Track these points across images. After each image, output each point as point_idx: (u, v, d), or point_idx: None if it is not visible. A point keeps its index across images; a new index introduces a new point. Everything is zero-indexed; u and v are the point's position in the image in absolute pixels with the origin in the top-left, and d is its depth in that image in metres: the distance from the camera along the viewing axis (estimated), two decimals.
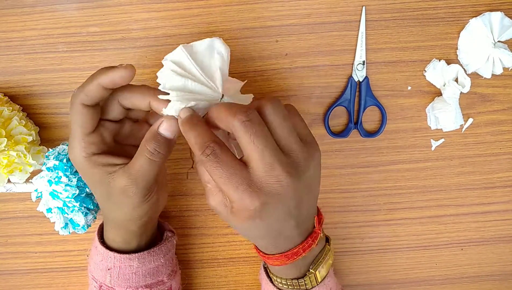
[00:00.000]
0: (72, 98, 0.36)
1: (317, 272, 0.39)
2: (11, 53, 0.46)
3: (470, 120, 0.49)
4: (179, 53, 0.35)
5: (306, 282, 0.39)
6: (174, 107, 0.35)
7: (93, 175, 0.37)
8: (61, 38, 0.46)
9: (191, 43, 0.36)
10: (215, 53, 0.36)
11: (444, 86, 0.47)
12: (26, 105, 0.47)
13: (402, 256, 0.53)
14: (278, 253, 0.37)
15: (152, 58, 0.47)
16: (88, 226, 0.44)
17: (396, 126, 0.49)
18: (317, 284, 0.40)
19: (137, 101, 0.37)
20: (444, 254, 0.53)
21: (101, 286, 0.42)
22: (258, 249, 0.39)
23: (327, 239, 0.42)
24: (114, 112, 0.38)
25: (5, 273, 0.52)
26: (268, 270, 0.43)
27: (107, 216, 0.41)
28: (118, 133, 0.40)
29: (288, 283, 0.40)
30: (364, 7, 0.46)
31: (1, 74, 0.47)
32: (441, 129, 0.48)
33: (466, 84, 0.46)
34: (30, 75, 0.47)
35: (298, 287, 0.40)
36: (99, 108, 0.37)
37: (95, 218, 0.45)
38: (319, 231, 0.38)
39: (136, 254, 0.42)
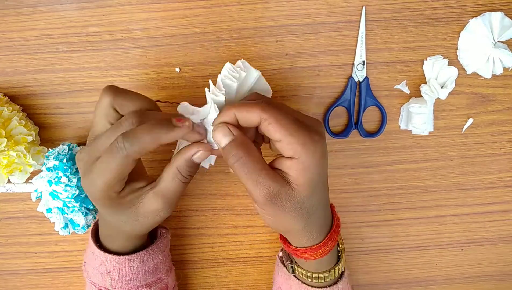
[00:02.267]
0: (117, 150, 0.33)
1: (344, 254, 0.42)
2: (11, 53, 0.46)
3: (470, 120, 0.49)
4: (254, 74, 0.37)
5: (341, 265, 0.41)
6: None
7: (121, 205, 0.36)
8: (61, 38, 0.46)
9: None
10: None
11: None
12: (26, 105, 0.47)
13: (402, 256, 0.53)
14: (324, 238, 0.38)
15: (152, 58, 0.47)
16: (88, 226, 0.44)
17: (396, 126, 0.49)
18: (344, 270, 0.43)
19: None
20: (444, 254, 0.53)
21: (101, 289, 0.42)
22: (308, 248, 0.38)
23: None
24: None
25: (5, 273, 0.52)
26: (300, 270, 0.42)
27: (122, 231, 0.40)
28: None
29: (328, 274, 0.41)
30: (364, 7, 0.46)
31: (1, 74, 0.47)
32: (410, 131, 0.49)
33: (444, 92, 0.46)
34: (30, 75, 0.47)
35: (337, 274, 0.41)
36: None
37: (95, 218, 0.45)
38: (337, 213, 0.41)
39: (136, 254, 0.42)
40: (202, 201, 0.51)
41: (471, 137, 0.50)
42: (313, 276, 0.41)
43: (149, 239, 0.46)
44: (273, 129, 0.32)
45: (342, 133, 0.49)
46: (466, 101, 0.49)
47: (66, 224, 0.43)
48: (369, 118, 0.49)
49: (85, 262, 0.44)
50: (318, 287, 0.42)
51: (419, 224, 0.52)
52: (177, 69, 0.47)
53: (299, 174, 0.33)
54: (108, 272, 0.41)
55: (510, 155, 0.50)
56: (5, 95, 0.47)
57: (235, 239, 0.52)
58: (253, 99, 0.35)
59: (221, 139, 0.34)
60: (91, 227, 0.44)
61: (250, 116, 0.33)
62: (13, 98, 0.47)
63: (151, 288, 0.43)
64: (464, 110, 0.49)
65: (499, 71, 0.46)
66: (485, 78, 0.47)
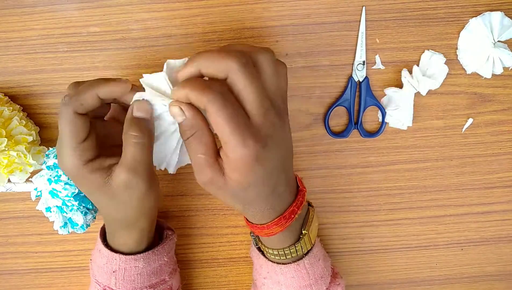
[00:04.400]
0: (62, 107, 0.35)
1: (309, 233, 0.41)
2: (11, 53, 0.46)
3: (470, 120, 0.49)
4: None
5: (302, 245, 0.40)
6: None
7: (93, 181, 0.36)
8: (61, 38, 0.46)
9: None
10: None
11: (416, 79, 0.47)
12: (26, 105, 0.48)
13: (402, 256, 0.53)
14: (276, 217, 0.37)
15: (152, 58, 0.47)
16: (87, 226, 0.44)
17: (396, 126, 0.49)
18: (312, 246, 0.41)
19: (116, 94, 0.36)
20: (444, 254, 0.53)
21: (105, 289, 0.42)
22: (254, 224, 0.39)
23: (309, 203, 0.44)
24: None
25: (5, 273, 0.52)
26: (261, 244, 0.43)
27: (115, 218, 0.40)
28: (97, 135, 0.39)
29: (283, 253, 0.40)
30: (364, 7, 0.46)
31: (1, 74, 0.47)
32: (408, 130, 0.49)
33: (425, 84, 0.46)
34: (30, 75, 0.47)
35: (295, 254, 0.40)
36: (89, 116, 0.37)
37: (94, 218, 0.45)
38: (305, 189, 0.40)
39: (142, 255, 0.41)
40: (202, 201, 0.51)
41: (471, 137, 0.50)
42: (268, 251, 0.41)
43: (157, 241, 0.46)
44: (211, 122, 0.32)
45: (342, 133, 0.49)
46: (466, 101, 0.49)
47: (65, 223, 0.43)
48: (369, 118, 0.49)
49: (91, 260, 0.44)
50: (282, 263, 0.42)
51: (419, 224, 0.52)
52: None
53: (230, 171, 0.33)
54: (113, 272, 0.41)
55: (510, 155, 0.50)
56: (5, 95, 0.47)
57: (235, 239, 0.52)
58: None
59: (176, 117, 0.34)
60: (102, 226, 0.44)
61: (198, 102, 0.32)
62: (14, 98, 0.47)
63: (154, 289, 0.43)
64: (464, 110, 0.49)
65: (499, 71, 0.46)
66: (485, 78, 0.47)
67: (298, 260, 0.41)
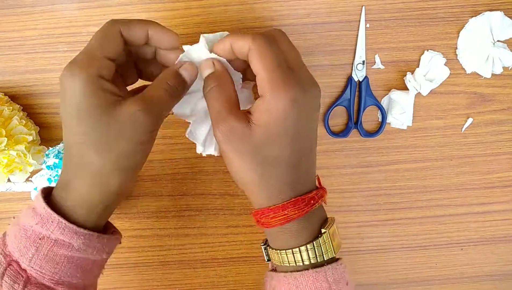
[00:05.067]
0: (108, 23, 0.34)
1: (330, 235, 0.34)
2: (11, 53, 0.46)
3: (470, 120, 0.49)
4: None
5: (321, 245, 0.34)
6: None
7: (98, 99, 0.31)
8: (62, 38, 0.46)
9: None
10: None
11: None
12: (26, 105, 0.48)
13: (402, 256, 0.53)
14: (294, 197, 0.33)
15: None
16: None
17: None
18: (335, 258, 0.35)
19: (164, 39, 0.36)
20: (444, 254, 0.53)
21: (10, 264, 0.33)
22: (265, 208, 0.34)
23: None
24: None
25: None
26: (271, 251, 0.37)
27: (90, 162, 0.32)
28: None
29: (298, 251, 0.34)
30: (363, 7, 0.46)
31: (2, 73, 0.47)
32: (405, 129, 0.49)
33: (427, 86, 0.46)
34: (31, 75, 0.47)
35: (314, 256, 0.34)
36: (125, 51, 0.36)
37: None
38: (325, 190, 0.36)
39: (85, 231, 0.33)
40: (202, 201, 0.51)
41: (470, 136, 0.50)
42: (281, 255, 0.35)
43: None
44: (254, 61, 0.32)
45: (342, 133, 0.49)
46: (466, 101, 0.49)
47: None
48: (369, 117, 0.49)
49: (9, 224, 0.35)
50: (296, 271, 0.34)
51: (418, 224, 0.52)
52: None
53: (261, 114, 0.32)
54: (40, 239, 0.32)
55: (510, 155, 0.50)
56: (5, 94, 0.47)
57: (235, 239, 0.52)
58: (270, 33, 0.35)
59: (204, 71, 0.36)
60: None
61: (242, 45, 0.33)
62: (14, 97, 0.47)
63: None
64: (463, 110, 0.49)
65: (498, 70, 0.46)
66: (484, 77, 0.47)
67: (317, 267, 0.34)
